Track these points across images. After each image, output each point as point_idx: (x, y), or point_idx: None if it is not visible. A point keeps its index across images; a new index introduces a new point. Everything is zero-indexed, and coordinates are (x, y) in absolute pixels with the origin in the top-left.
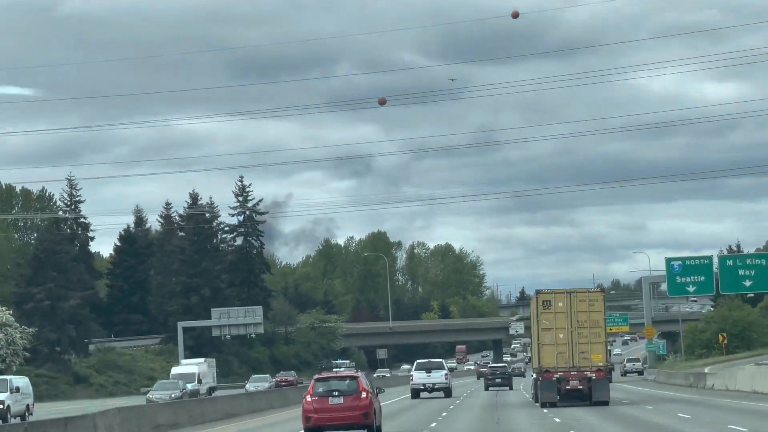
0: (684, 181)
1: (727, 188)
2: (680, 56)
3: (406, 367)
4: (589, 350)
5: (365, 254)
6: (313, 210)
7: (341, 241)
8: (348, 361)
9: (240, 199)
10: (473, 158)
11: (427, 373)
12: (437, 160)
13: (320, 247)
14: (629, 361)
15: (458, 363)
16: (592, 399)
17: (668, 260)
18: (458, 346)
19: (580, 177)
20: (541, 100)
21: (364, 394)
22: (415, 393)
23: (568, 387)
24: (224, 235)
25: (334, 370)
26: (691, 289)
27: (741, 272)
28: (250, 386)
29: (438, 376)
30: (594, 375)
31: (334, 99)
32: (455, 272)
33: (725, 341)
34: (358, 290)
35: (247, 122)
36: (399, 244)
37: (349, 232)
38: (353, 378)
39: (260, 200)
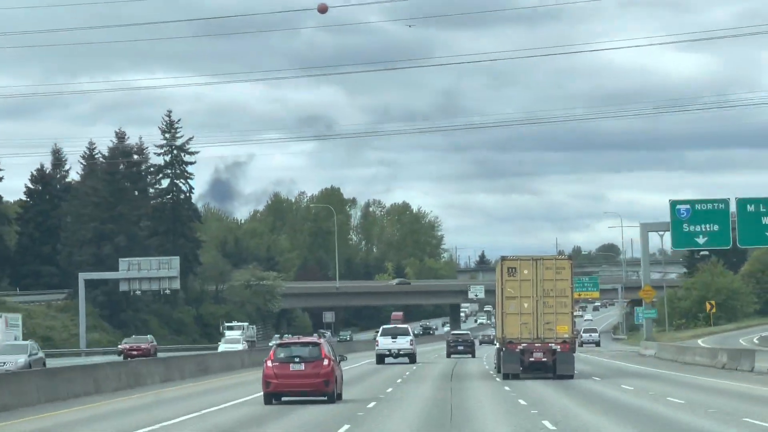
0: (644, 151)
1: (687, 160)
2: (645, 26)
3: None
4: (555, 321)
5: (312, 205)
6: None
7: (292, 197)
8: (246, 324)
9: (167, 135)
10: (436, 123)
11: (392, 338)
12: (400, 125)
13: (269, 202)
14: (586, 331)
15: None
16: (557, 372)
17: (673, 203)
18: (394, 313)
19: (541, 145)
20: (505, 66)
21: (326, 362)
22: (380, 358)
23: (531, 359)
24: (150, 178)
25: (225, 333)
26: (701, 240)
27: (765, 220)
28: None
29: (403, 342)
30: (559, 347)
31: (299, 60)
32: (412, 232)
33: (714, 310)
34: (307, 249)
35: (208, 82)
36: (353, 201)
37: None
38: (315, 344)
39: (191, 138)
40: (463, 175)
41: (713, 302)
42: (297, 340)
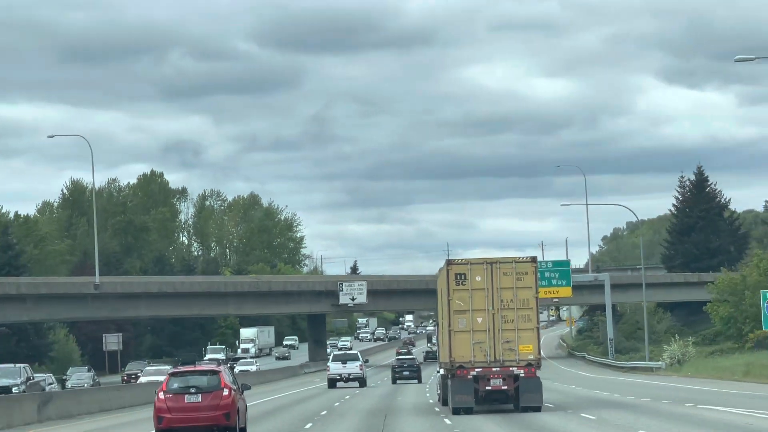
0: (515, 178)
1: (555, 186)
2: (515, 51)
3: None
4: (516, 339)
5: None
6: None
7: (98, 184)
8: None
9: None
10: (306, 152)
11: (342, 364)
12: (269, 153)
13: (64, 192)
14: None
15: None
16: (520, 404)
17: None
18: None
19: (413, 173)
20: (375, 93)
21: (226, 392)
22: (332, 383)
23: (488, 387)
24: None
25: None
26: None
27: None
28: None
29: (353, 367)
30: (522, 372)
31: (165, 88)
32: (261, 232)
33: None
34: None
35: (73, 111)
36: (184, 192)
37: None
38: (214, 372)
39: None
40: (333, 204)
41: None
42: (192, 369)
